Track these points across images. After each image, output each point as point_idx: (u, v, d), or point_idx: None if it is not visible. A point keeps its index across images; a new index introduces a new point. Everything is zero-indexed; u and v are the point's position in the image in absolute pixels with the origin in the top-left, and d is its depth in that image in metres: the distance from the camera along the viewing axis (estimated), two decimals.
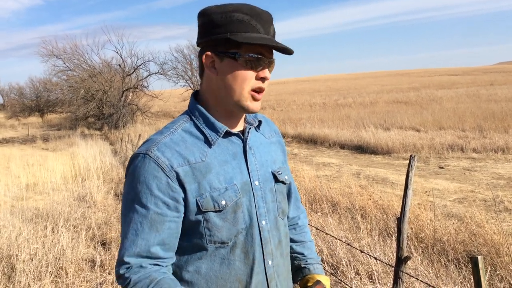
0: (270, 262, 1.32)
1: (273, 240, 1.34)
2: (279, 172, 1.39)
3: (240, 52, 1.20)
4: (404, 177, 2.94)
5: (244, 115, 1.36)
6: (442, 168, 10.12)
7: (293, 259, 1.52)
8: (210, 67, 1.26)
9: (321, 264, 1.56)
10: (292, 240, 1.53)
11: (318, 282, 1.40)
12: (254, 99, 1.24)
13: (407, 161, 2.93)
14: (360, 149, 13.67)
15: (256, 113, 1.39)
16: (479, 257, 1.77)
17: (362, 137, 14.35)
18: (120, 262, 1.19)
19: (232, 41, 1.18)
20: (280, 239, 1.37)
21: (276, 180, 1.37)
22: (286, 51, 1.22)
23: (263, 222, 1.31)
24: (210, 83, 1.29)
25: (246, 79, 1.22)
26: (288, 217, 1.53)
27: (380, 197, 6.51)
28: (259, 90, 1.24)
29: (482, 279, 1.69)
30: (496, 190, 7.58)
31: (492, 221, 5.24)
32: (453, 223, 5.28)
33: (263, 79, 1.23)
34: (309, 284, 1.44)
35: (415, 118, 17.97)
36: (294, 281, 1.50)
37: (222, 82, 1.25)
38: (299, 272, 1.51)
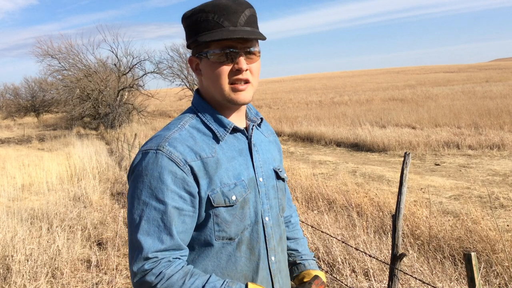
0: (273, 258, 1.34)
1: (275, 236, 1.36)
2: (280, 170, 1.42)
3: (210, 50, 1.22)
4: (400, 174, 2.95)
5: (246, 112, 1.38)
6: (438, 165, 10.14)
7: (288, 255, 1.54)
8: (196, 69, 1.31)
9: (314, 260, 1.59)
10: (286, 238, 1.55)
11: (316, 277, 1.41)
12: (237, 90, 1.24)
13: (402, 159, 2.94)
14: (356, 146, 13.69)
15: (257, 112, 1.42)
16: (473, 254, 1.78)
17: (358, 135, 14.37)
18: (144, 259, 1.14)
19: (202, 42, 1.21)
20: (281, 235, 1.39)
21: (278, 177, 1.40)
22: (253, 37, 1.22)
23: (267, 219, 1.33)
24: (201, 84, 1.33)
25: (222, 74, 1.22)
26: None
27: (376, 194, 6.52)
28: (238, 82, 1.24)
29: (475, 275, 1.70)
30: (491, 186, 7.60)
31: (488, 217, 5.25)
32: (449, 220, 5.29)
33: (238, 71, 1.22)
34: (305, 280, 1.46)
35: (411, 115, 18.01)
36: (290, 277, 1.51)
37: (207, 81, 1.28)
38: (294, 268, 1.54)
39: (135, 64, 28.76)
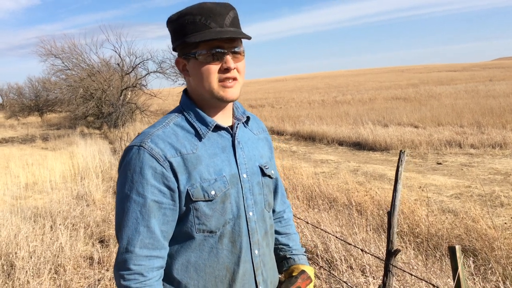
0: (256, 252, 1.38)
1: (260, 230, 1.40)
2: (266, 167, 1.46)
3: (198, 51, 1.28)
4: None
5: (233, 111, 1.43)
6: (440, 164, 10.16)
7: (278, 250, 1.59)
8: (183, 70, 1.36)
9: (305, 255, 1.63)
10: (278, 232, 1.60)
11: (303, 272, 1.46)
12: (226, 87, 1.30)
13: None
14: (359, 145, 13.71)
15: (244, 110, 1.47)
16: (457, 247, 1.84)
17: (361, 134, 14.38)
18: (125, 250, 1.23)
19: (190, 43, 1.27)
20: (266, 230, 1.44)
21: (263, 174, 1.44)
22: (240, 37, 1.27)
23: (250, 213, 1.37)
24: (189, 84, 1.38)
25: (210, 73, 1.28)
26: (274, 211, 1.61)
27: (376, 192, 6.55)
28: (227, 80, 1.29)
29: (459, 267, 1.75)
30: (493, 185, 7.62)
31: (488, 216, 5.28)
32: (447, 217, 5.33)
33: (226, 70, 1.28)
34: (294, 274, 1.50)
35: (413, 114, 18.00)
36: (280, 272, 1.57)
37: (195, 81, 1.33)
38: (284, 262, 1.58)
39: (138, 64, 28.77)
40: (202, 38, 1.24)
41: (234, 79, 1.30)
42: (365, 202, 6.06)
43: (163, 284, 1.30)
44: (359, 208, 5.91)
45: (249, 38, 1.29)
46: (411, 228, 4.99)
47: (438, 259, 4.22)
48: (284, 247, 1.59)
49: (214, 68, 1.28)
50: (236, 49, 1.30)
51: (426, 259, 4.14)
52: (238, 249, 1.34)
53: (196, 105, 1.36)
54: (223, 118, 1.38)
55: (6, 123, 41.46)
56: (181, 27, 1.29)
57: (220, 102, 1.33)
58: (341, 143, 14.54)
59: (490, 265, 3.97)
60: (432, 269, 3.87)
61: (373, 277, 3.72)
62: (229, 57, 1.28)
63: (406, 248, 4.39)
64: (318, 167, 10.25)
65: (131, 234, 1.23)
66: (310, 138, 16.24)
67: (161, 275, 1.29)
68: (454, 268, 1.78)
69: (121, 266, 1.23)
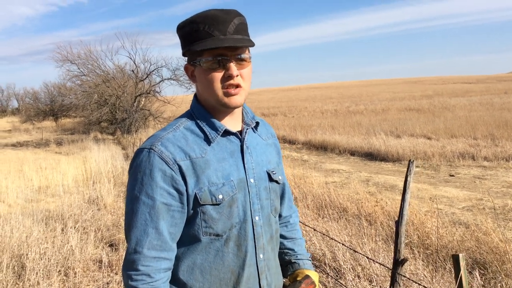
0: (261, 256, 1.39)
1: (266, 235, 1.41)
2: (274, 172, 1.47)
3: (203, 58, 1.30)
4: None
5: (242, 116, 1.45)
6: (453, 176, 10.06)
7: (284, 254, 1.60)
8: (191, 76, 1.39)
9: (310, 260, 1.64)
10: (284, 237, 1.61)
11: (307, 276, 1.47)
12: (229, 94, 1.31)
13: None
14: (370, 156, 13.64)
15: (254, 115, 1.48)
16: (460, 255, 1.83)
17: (373, 144, 14.31)
18: (134, 251, 1.25)
19: (194, 51, 1.29)
20: (272, 235, 1.45)
21: (271, 179, 1.45)
22: (240, 45, 1.29)
23: (257, 218, 1.38)
24: (197, 89, 1.41)
25: (214, 80, 1.30)
26: (281, 215, 1.62)
27: (386, 203, 6.51)
28: (230, 87, 1.31)
29: (462, 274, 1.75)
30: (505, 198, 7.53)
31: (500, 229, 5.22)
32: (457, 230, 5.27)
33: (229, 77, 1.30)
34: (298, 278, 1.51)
35: (427, 125, 17.88)
36: (284, 275, 1.58)
37: (201, 87, 1.36)
38: (289, 267, 1.59)
39: (153, 71, 28.99)
40: (204, 47, 1.26)
41: (238, 86, 1.31)
42: (375, 213, 6.03)
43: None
44: (369, 218, 5.88)
45: (251, 45, 1.31)
46: (421, 239, 4.95)
47: (447, 271, 4.18)
48: (289, 251, 1.61)
49: (217, 75, 1.30)
50: (241, 56, 1.31)
51: (435, 270, 4.10)
52: (243, 252, 1.35)
53: (206, 110, 1.38)
54: (232, 123, 1.40)
55: (21, 127, 42.02)
56: (187, 35, 1.32)
57: (225, 108, 1.35)
58: (353, 153, 14.48)
59: (500, 279, 3.92)
60: (441, 281, 3.83)
61: (380, 286, 3.70)
62: (232, 65, 1.29)
63: (415, 259, 4.36)
64: (329, 177, 10.22)
65: (140, 235, 1.25)
66: (322, 148, 16.20)
67: (169, 277, 1.30)
68: (457, 275, 1.78)
69: (130, 266, 1.25)
